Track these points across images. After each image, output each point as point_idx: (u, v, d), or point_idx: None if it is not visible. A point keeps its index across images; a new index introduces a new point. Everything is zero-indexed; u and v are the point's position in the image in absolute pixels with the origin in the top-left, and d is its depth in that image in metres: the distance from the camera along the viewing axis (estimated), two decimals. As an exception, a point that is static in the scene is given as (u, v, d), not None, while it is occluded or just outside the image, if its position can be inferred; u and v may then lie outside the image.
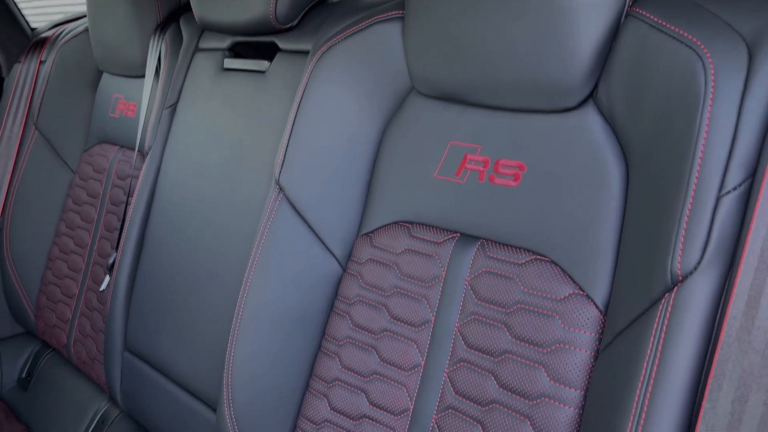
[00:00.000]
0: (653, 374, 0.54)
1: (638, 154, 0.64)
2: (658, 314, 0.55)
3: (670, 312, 0.54)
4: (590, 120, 0.70)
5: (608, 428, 0.58)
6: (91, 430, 1.25)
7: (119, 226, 1.30)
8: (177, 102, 1.18)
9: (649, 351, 0.55)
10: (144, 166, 1.20)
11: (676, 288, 0.55)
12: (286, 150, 0.92)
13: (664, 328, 0.54)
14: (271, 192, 0.91)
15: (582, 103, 0.70)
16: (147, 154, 1.21)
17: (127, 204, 1.26)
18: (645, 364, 0.55)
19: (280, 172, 0.91)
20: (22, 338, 1.54)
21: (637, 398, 0.55)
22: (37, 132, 1.55)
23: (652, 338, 0.55)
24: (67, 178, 1.50)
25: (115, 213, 1.34)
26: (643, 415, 0.54)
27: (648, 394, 0.54)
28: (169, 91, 1.19)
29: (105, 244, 1.34)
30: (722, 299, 0.52)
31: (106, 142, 1.44)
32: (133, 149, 1.35)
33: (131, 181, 1.30)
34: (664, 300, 0.56)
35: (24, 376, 1.47)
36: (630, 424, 0.55)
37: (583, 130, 0.70)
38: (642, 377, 0.55)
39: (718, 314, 0.52)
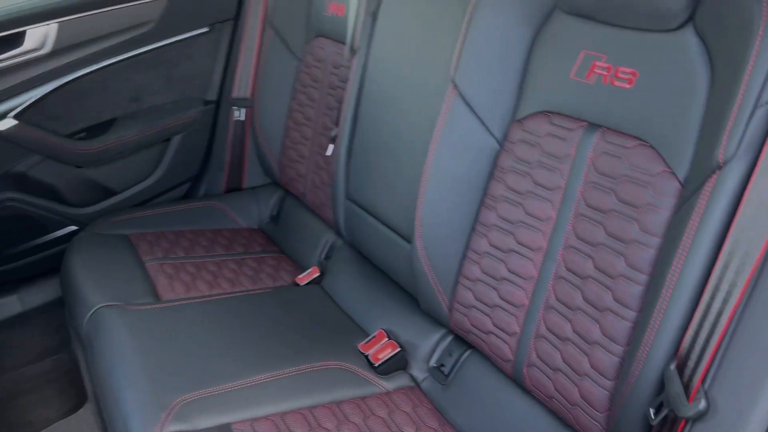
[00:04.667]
0: (696, 224, 0.81)
1: (718, 70, 0.85)
2: (704, 189, 0.81)
3: (712, 188, 0.80)
4: (689, 39, 0.90)
5: (666, 260, 0.86)
6: (324, 252, 1.76)
7: (337, 106, 1.70)
8: (377, 8, 1.50)
9: (695, 210, 0.82)
10: (354, 60, 1.56)
11: (718, 171, 0.79)
12: (459, 54, 1.21)
13: (707, 198, 0.80)
14: (447, 86, 1.23)
15: (683, 25, 0.90)
16: (355, 51, 1.56)
17: (342, 89, 1.65)
18: (693, 215, 0.82)
19: (455, 71, 1.22)
20: (271, 187, 2.10)
21: (683, 240, 0.83)
22: (271, 28, 1.98)
23: (698, 203, 0.81)
24: (294, 65, 1.92)
25: (332, 95, 1.75)
26: (686, 252, 0.82)
27: (691, 239, 0.81)
28: (370, 0, 1.51)
29: (326, 119, 1.77)
30: (745, 185, 0.77)
31: (322, 36, 1.82)
32: (344, 43, 1.71)
33: (343, 70, 1.68)
34: (711, 179, 0.81)
35: (274, 214, 2.02)
36: (677, 256, 0.83)
37: (683, 46, 0.91)
38: (690, 224, 0.82)
39: (743, 194, 0.77)
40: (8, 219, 1.91)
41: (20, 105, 1.82)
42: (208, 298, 1.56)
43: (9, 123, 1.81)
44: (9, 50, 1.76)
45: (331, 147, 1.66)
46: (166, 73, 2.03)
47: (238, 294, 1.60)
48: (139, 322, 1.41)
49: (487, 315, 1.21)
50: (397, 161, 1.42)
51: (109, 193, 2.05)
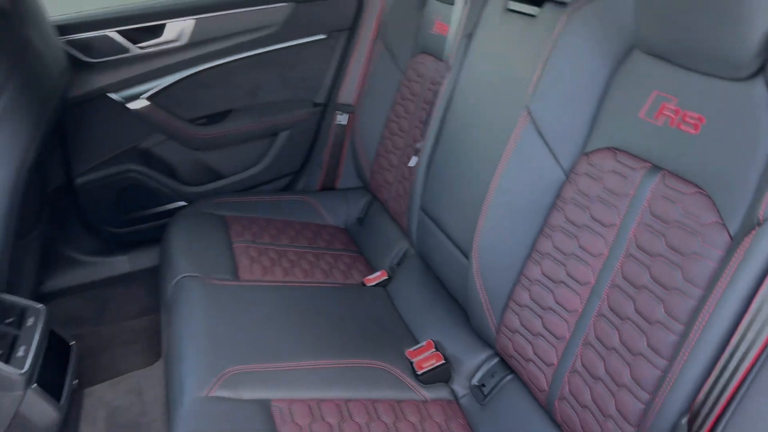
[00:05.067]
0: (728, 280, 0.79)
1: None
2: (742, 244, 0.78)
3: (750, 242, 0.77)
4: (758, 90, 0.87)
5: (697, 314, 0.84)
6: (397, 258, 1.82)
7: (427, 120, 1.76)
8: (474, 30, 1.55)
9: (730, 265, 0.79)
10: (445, 78, 1.62)
11: (758, 227, 0.77)
12: (537, 81, 1.23)
13: (742, 254, 0.78)
14: (521, 113, 1.25)
15: (754, 76, 0.87)
16: (449, 69, 1.62)
17: (432, 104, 1.71)
18: (726, 270, 0.80)
19: (530, 98, 1.24)
20: (361, 190, 2.19)
21: (713, 294, 0.80)
22: (381, 40, 2.08)
23: (734, 258, 0.79)
24: (398, 78, 2.00)
25: (425, 109, 1.81)
26: (713, 308, 0.80)
27: (720, 295, 0.79)
28: (468, 21, 1.55)
29: (416, 132, 1.84)
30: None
31: (426, 52, 1.89)
32: (443, 61, 1.77)
33: (438, 87, 1.74)
34: (749, 235, 0.78)
35: (360, 216, 2.11)
36: (704, 310, 0.81)
37: (751, 97, 0.88)
38: (722, 278, 0.80)
39: None
40: (129, 187, 2.14)
41: (153, 89, 2.05)
42: (281, 284, 1.67)
43: (142, 103, 2.05)
44: (150, 39, 2.00)
45: (414, 159, 1.72)
46: (283, 73, 2.19)
47: (309, 284, 1.70)
48: (215, 295, 1.55)
49: (530, 342, 1.21)
50: (468, 179, 1.45)
51: (217, 176, 2.25)
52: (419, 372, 1.39)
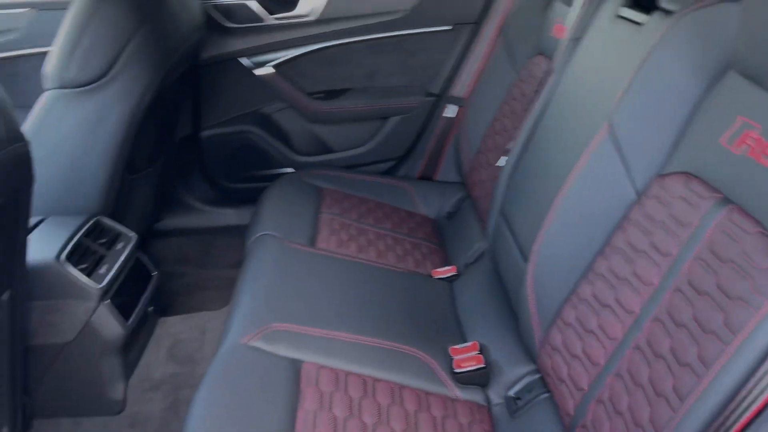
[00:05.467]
0: (751, 329, 0.70)
1: None
2: None
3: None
4: None
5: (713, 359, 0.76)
6: (473, 258, 1.79)
7: (529, 123, 1.71)
8: (582, 36, 1.47)
9: (760, 312, 0.71)
10: (548, 81, 1.56)
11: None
12: (623, 94, 1.15)
13: (772, 303, 0.69)
14: (601, 124, 1.18)
15: (843, 110, 0.76)
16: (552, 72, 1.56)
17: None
18: (753, 319, 0.71)
19: (613, 110, 1.16)
20: (458, 186, 2.17)
21: (732, 343, 0.72)
22: (502, 38, 2.05)
23: (764, 305, 0.70)
24: (512, 78, 1.96)
25: (528, 111, 1.75)
26: (734, 348, 0.71)
27: (746, 335, 0.71)
28: (579, 25, 1.48)
29: (516, 133, 1.79)
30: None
31: (542, 54, 1.83)
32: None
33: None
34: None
35: (452, 211, 2.10)
36: (720, 358, 0.73)
37: (836, 133, 0.77)
38: (747, 327, 0.72)
39: None
40: (246, 147, 2.30)
41: (279, 58, 2.18)
42: (351, 258, 1.71)
43: (268, 70, 2.19)
44: (284, 12, 2.13)
45: (503, 159, 1.68)
46: (403, 60, 2.23)
47: (378, 265, 1.73)
48: (286, 256, 1.63)
49: (567, 363, 1.15)
50: (545, 186, 1.40)
51: (326, 149, 2.34)
52: (457, 370, 1.37)
